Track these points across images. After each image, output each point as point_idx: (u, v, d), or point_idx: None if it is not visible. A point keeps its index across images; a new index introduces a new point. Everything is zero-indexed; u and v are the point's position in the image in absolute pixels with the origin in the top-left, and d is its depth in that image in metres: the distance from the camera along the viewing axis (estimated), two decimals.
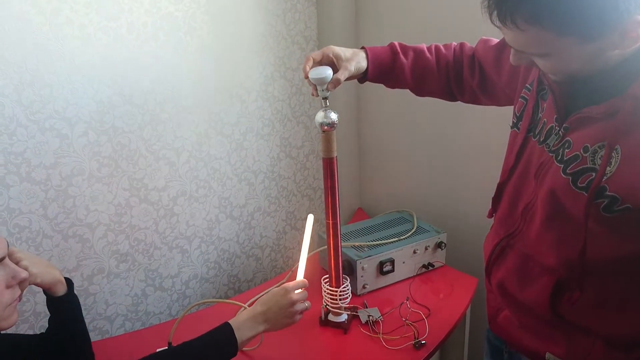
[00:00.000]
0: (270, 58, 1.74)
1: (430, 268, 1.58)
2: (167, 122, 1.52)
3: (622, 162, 0.75)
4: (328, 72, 1.09)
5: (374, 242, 1.53)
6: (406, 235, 1.57)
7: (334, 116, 1.17)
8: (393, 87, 1.23)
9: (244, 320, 1.06)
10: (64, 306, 1.02)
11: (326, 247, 1.52)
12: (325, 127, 1.18)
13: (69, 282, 1.02)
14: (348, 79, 1.14)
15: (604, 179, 0.77)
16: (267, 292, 1.30)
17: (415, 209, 1.74)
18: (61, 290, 0.99)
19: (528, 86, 0.97)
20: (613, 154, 0.76)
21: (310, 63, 1.12)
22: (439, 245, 1.58)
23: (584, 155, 0.80)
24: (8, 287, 0.87)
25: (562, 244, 0.87)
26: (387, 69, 1.16)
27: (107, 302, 1.50)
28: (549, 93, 0.90)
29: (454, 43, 1.19)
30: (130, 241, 1.52)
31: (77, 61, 1.31)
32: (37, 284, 0.96)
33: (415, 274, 1.55)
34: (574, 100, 0.84)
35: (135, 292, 1.56)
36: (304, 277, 1.21)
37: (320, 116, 1.17)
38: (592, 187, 0.78)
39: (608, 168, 0.77)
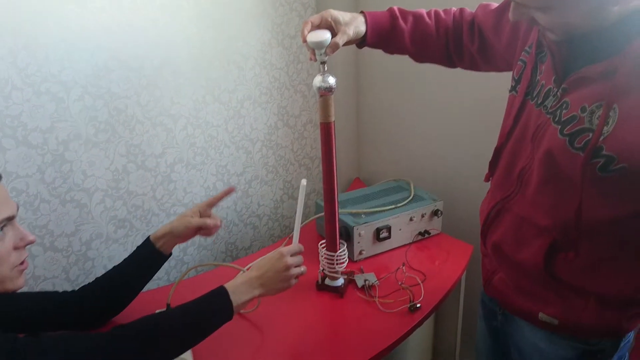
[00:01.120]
0: (267, 25, 1.72)
1: (427, 235, 1.59)
2: (163, 87, 1.51)
3: (619, 121, 0.75)
4: (326, 35, 1.08)
5: (371, 210, 1.54)
6: (403, 203, 1.58)
7: (331, 80, 1.16)
8: (392, 53, 1.21)
9: (239, 284, 1.07)
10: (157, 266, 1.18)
11: (323, 213, 1.54)
12: (323, 92, 1.17)
13: None
14: (346, 43, 1.13)
15: (601, 139, 0.77)
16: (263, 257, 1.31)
17: (412, 178, 1.75)
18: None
19: (527, 49, 0.96)
20: (610, 113, 0.76)
21: (309, 27, 1.10)
22: (435, 213, 1.59)
23: (582, 115, 0.80)
24: (15, 248, 0.88)
25: (557, 205, 0.87)
26: (386, 34, 1.15)
27: (106, 267, 1.51)
28: (547, 55, 0.89)
29: (454, 8, 1.18)
30: (128, 207, 1.52)
31: (72, 25, 1.29)
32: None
33: (411, 241, 1.57)
34: (572, 61, 0.84)
35: None
36: (299, 242, 1.22)
37: (317, 80, 1.17)
38: (590, 147, 0.78)
39: (605, 128, 0.77)
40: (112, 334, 0.90)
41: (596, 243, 0.86)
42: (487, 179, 1.07)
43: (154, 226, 1.60)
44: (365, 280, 1.36)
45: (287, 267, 1.11)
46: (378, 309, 1.28)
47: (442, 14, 1.17)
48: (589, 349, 0.96)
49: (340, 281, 1.37)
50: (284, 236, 1.97)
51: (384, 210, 1.54)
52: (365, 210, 1.54)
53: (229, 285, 1.06)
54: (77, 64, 1.32)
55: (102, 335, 0.89)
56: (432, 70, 1.57)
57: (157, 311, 1.11)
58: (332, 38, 1.09)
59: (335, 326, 1.27)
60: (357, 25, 1.12)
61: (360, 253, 1.49)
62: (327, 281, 1.37)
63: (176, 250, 1.68)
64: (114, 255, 1.53)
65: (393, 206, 1.56)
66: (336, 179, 1.28)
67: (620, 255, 0.86)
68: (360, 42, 1.16)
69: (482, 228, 1.05)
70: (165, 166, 1.57)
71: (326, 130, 1.22)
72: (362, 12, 1.15)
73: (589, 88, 0.80)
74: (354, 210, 1.54)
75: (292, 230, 1.54)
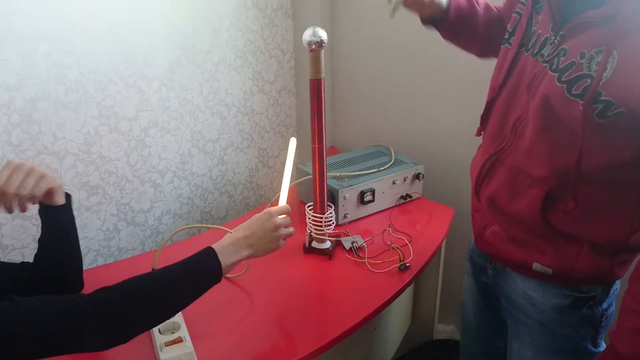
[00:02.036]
0: None
1: (409, 199, 1.59)
2: (137, 46, 1.43)
3: (618, 66, 0.76)
4: None
5: (354, 173, 1.53)
6: (385, 167, 1.57)
7: (323, 34, 1.13)
8: (459, 40, 1.15)
9: (227, 245, 1.02)
10: (62, 217, 0.97)
11: (306, 177, 1.51)
12: (314, 46, 1.14)
13: (67, 196, 0.97)
14: (421, 9, 1.07)
15: (600, 84, 0.78)
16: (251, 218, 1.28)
17: (389, 143, 1.74)
18: (61, 199, 0.94)
19: (522, 1, 0.96)
20: (609, 59, 0.76)
21: None
22: (417, 176, 1.59)
23: (580, 61, 0.80)
24: None
25: (554, 154, 0.88)
26: (466, 13, 1.10)
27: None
28: (544, 5, 0.89)
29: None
30: (101, 173, 1.45)
31: None
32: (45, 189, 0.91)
33: (394, 205, 1.57)
34: (570, 7, 0.84)
35: (107, 227, 1.50)
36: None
37: (308, 34, 1.13)
38: (589, 93, 0.78)
39: (604, 73, 0.77)
40: (94, 295, 0.84)
41: (592, 190, 0.87)
42: (478, 133, 1.07)
43: (128, 193, 1.52)
44: (352, 242, 1.35)
45: (276, 227, 1.08)
46: (367, 269, 1.27)
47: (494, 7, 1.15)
48: (581, 296, 0.98)
49: (328, 244, 1.35)
50: (257, 205, 1.94)
51: (367, 174, 1.53)
52: (348, 174, 1.52)
53: (216, 246, 1.02)
54: (45, 16, 1.23)
55: (83, 298, 0.83)
56: (408, 36, 1.56)
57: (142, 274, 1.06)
58: None
59: (325, 288, 1.26)
60: None
61: (345, 216, 1.47)
62: (315, 244, 1.35)
63: (151, 219, 1.61)
64: (87, 224, 1.45)
65: (376, 169, 1.55)
66: (325, 138, 1.25)
67: (614, 201, 0.87)
68: (434, 19, 1.10)
69: (475, 183, 1.05)
70: (139, 130, 1.50)
71: (316, 87, 1.19)
72: None
73: (589, 33, 0.80)
74: (337, 174, 1.52)
75: (267, 200, 1.50)
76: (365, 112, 1.96)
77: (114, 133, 1.44)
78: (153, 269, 1.18)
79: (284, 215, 1.11)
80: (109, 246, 1.52)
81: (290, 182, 1.63)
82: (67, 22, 1.27)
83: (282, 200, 1.19)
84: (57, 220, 0.99)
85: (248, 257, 1.04)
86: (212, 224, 1.81)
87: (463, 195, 1.69)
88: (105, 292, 0.85)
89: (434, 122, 1.73)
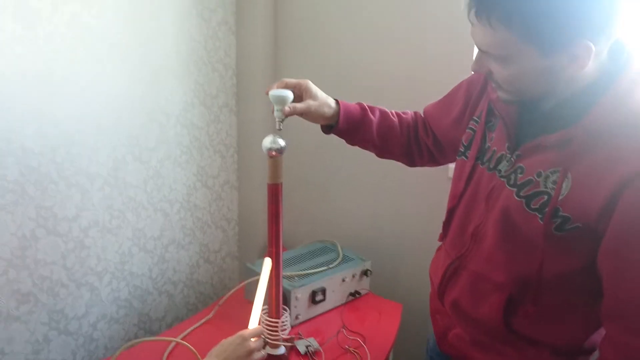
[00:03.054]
0: (190, 84, 1.68)
1: (357, 296, 1.60)
2: (82, 144, 1.38)
3: (573, 186, 0.84)
4: (289, 94, 1.08)
5: (305, 272, 1.52)
6: (334, 264, 1.58)
7: (282, 142, 1.16)
8: (355, 144, 1.23)
9: None
10: None
11: (255, 278, 1.48)
12: (273, 153, 1.16)
13: None
14: (307, 118, 1.13)
15: (558, 201, 0.85)
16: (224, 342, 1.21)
17: (334, 238, 1.76)
18: None
19: (475, 118, 1.05)
20: (565, 179, 0.85)
21: (281, 84, 1.10)
22: (364, 272, 1.61)
23: (537, 179, 0.88)
24: None
25: (514, 262, 0.94)
26: (356, 123, 1.17)
27: (3, 350, 1.28)
28: (498, 124, 0.98)
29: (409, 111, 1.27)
30: (34, 278, 1.33)
31: None
32: None
33: (344, 302, 1.56)
34: (525, 129, 0.93)
35: (37, 338, 1.35)
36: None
37: (268, 141, 1.15)
38: (549, 209, 0.85)
39: (561, 191, 0.85)
40: None
41: (551, 295, 0.93)
42: (440, 239, 1.12)
43: (62, 299, 1.40)
44: (307, 346, 1.32)
45: (250, 352, 1.04)
46: None
47: (401, 113, 1.25)
48: None
49: (282, 349, 1.30)
50: (200, 305, 1.86)
51: (317, 272, 1.52)
52: (298, 273, 1.51)
53: None
54: None
55: None
56: None
57: None
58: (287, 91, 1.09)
59: None
60: (323, 104, 1.13)
61: (297, 317, 1.44)
62: (268, 349, 1.30)
63: (85, 326, 1.49)
64: (14, 337, 1.31)
65: (326, 267, 1.55)
66: (281, 241, 1.25)
67: (571, 306, 0.93)
68: (328, 127, 1.18)
69: (438, 287, 1.08)
70: (78, 230, 1.41)
71: (275, 192, 1.20)
72: (336, 99, 1.17)
73: (544, 155, 0.88)
74: (287, 274, 1.50)
75: (207, 297, 1.45)
76: (311, 206, 1.98)
77: (51, 235, 1.35)
78: None
79: (255, 339, 1.07)
80: (37, 359, 1.37)
81: (234, 282, 1.59)
82: (12, 120, 1.21)
83: (254, 322, 1.15)
84: None
85: None
86: (150, 326, 1.70)
87: (411, 290, 1.74)
88: None
89: (379, 217, 1.79)
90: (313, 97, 1.11)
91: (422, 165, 1.28)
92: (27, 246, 1.30)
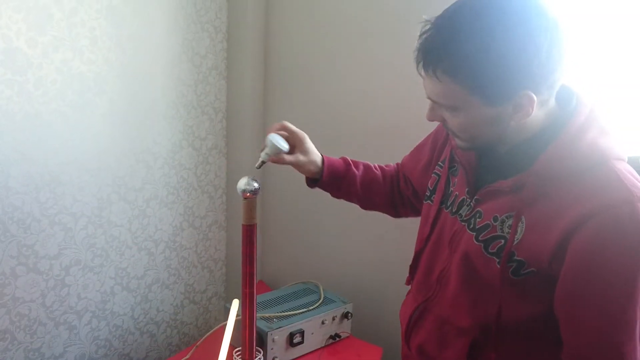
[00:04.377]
0: (179, 126, 1.73)
1: (337, 339, 1.59)
2: (67, 184, 1.42)
3: (526, 230, 0.85)
4: (285, 148, 1.11)
5: (283, 313, 1.52)
6: (314, 306, 1.57)
7: (256, 184, 1.19)
8: (340, 197, 1.26)
9: None
10: None
11: (235, 319, 1.48)
12: (248, 194, 1.19)
13: None
14: (297, 168, 1.17)
15: (513, 245, 0.86)
16: None
17: (317, 279, 1.77)
18: None
19: (440, 163, 1.08)
20: (519, 223, 0.86)
21: (281, 127, 1.13)
22: (345, 315, 1.60)
23: (494, 224, 0.90)
24: None
25: (476, 306, 0.94)
26: (340, 176, 1.21)
27: None
28: (459, 169, 1.01)
29: (392, 164, 1.31)
30: (11, 316, 1.34)
31: None
32: None
33: (323, 345, 1.55)
34: (484, 174, 0.96)
35: None
36: None
37: (242, 183, 1.18)
38: (505, 253, 0.87)
39: (516, 236, 0.87)
40: None
41: (512, 342, 0.93)
42: (408, 282, 1.13)
43: (39, 338, 1.41)
44: None
45: None
46: None
47: (384, 166, 1.29)
48: None
49: None
50: (183, 346, 1.85)
51: (296, 314, 1.52)
52: (276, 314, 1.51)
53: None
54: None
55: None
56: None
57: None
58: (284, 140, 1.13)
59: None
60: (312, 162, 1.16)
61: None
62: None
63: None
64: None
65: (305, 309, 1.55)
66: (255, 283, 1.26)
67: (538, 353, 0.93)
68: (312, 181, 1.21)
69: (404, 330, 1.08)
70: (59, 268, 1.43)
71: (249, 233, 1.22)
72: (322, 155, 1.20)
73: (500, 200, 0.90)
74: (266, 315, 1.50)
75: (191, 338, 1.45)
76: (294, 247, 1.99)
77: (31, 273, 1.37)
78: None
79: None
80: None
81: (217, 323, 1.58)
82: None
83: None
84: None
85: None
86: None
87: (393, 333, 1.72)
88: None
89: (363, 260, 1.79)
90: (304, 151, 1.14)
91: (406, 215, 1.30)
92: (6, 284, 1.32)
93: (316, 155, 1.18)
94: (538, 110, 0.82)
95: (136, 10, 1.53)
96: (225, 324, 1.55)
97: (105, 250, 1.56)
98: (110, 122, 1.50)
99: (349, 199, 1.26)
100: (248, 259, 1.24)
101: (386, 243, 1.71)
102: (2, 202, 1.28)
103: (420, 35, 0.81)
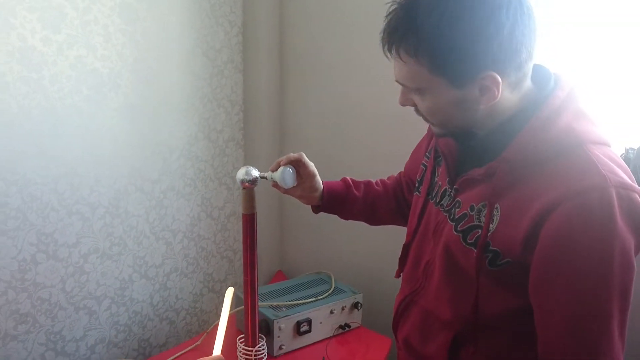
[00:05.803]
0: (195, 118, 1.77)
1: (347, 329, 1.59)
2: (84, 175, 1.48)
3: (500, 219, 0.82)
4: (291, 184, 1.16)
5: (292, 302, 1.54)
6: (324, 296, 1.59)
7: (255, 173, 1.21)
8: (345, 218, 1.27)
9: None
10: None
11: (243, 306, 1.51)
12: (246, 184, 1.21)
13: None
14: (300, 200, 1.22)
15: (488, 235, 0.84)
16: None
17: (334, 271, 1.77)
18: None
19: (427, 154, 1.07)
20: (494, 212, 0.83)
21: (295, 158, 1.14)
22: (355, 305, 1.61)
23: (471, 213, 0.88)
24: None
25: (457, 299, 0.92)
26: (341, 199, 1.22)
27: None
28: (442, 159, 0.99)
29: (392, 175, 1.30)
30: (33, 300, 1.42)
31: None
32: None
33: (332, 335, 1.56)
34: (463, 164, 0.93)
35: (34, 357, 1.44)
36: (220, 353, 1.17)
37: (241, 173, 1.20)
38: (480, 243, 0.84)
39: (491, 225, 0.83)
40: None
41: (493, 337, 0.90)
42: (397, 275, 1.12)
43: (60, 321, 1.49)
44: None
45: None
46: None
47: (385, 179, 1.29)
48: None
49: None
50: (201, 331, 1.90)
51: (304, 303, 1.54)
52: (285, 303, 1.53)
53: None
54: None
55: None
56: (351, 162, 1.67)
57: None
58: (292, 179, 1.16)
59: None
60: (315, 188, 1.18)
61: (280, 348, 1.46)
62: None
63: (82, 348, 1.56)
64: (11, 355, 1.39)
65: (314, 299, 1.56)
66: (257, 271, 1.28)
67: (514, 349, 0.90)
68: (317, 206, 1.23)
69: (393, 322, 1.08)
70: (78, 256, 1.51)
71: (249, 222, 1.24)
72: (322, 182, 1.22)
73: (475, 189, 0.88)
74: (274, 303, 1.53)
75: (210, 326, 1.49)
76: (311, 239, 2.01)
77: (51, 259, 1.44)
78: None
79: None
80: None
81: (230, 310, 1.62)
82: (14, 153, 1.33)
83: (217, 350, 1.18)
84: None
85: None
86: (150, 352, 1.76)
87: None
88: None
89: (375, 252, 1.79)
90: (308, 188, 1.16)
91: None
92: (27, 269, 1.40)
93: (318, 183, 1.18)
94: (510, 93, 0.80)
95: (150, 6, 1.57)
96: (235, 312, 1.59)
97: (123, 239, 1.62)
98: (124, 115, 1.56)
99: (355, 219, 1.27)
100: (249, 247, 1.27)
101: (400, 236, 1.69)
102: (22, 193, 1.36)
103: (385, 17, 0.80)
